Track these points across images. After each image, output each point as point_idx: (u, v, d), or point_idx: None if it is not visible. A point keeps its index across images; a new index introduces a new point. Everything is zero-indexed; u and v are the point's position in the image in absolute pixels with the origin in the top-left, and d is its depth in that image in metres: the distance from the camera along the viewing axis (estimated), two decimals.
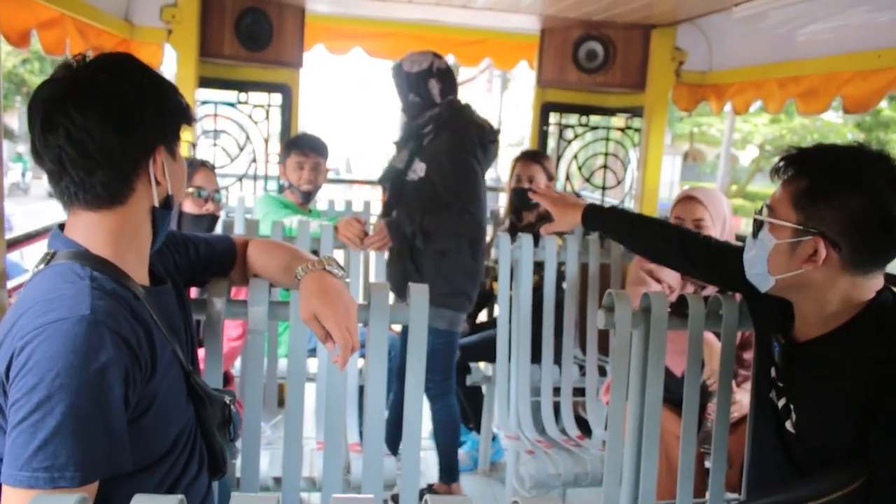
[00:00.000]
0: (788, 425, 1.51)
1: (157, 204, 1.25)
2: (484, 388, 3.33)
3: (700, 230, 2.38)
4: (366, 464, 1.73)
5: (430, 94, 2.78)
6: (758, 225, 1.49)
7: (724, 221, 2.44)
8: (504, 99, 23.55)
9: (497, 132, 2.84)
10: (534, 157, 3.35)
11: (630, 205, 4.02)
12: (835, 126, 17.49)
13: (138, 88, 1.18)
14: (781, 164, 1.45)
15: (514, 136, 27.16)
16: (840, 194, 1.35)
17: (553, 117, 4.14)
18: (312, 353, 2.74)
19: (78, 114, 1.12)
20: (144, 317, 1.19)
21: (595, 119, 4.16)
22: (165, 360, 1.21)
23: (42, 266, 1.20)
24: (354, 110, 29.62)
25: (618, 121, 4.16)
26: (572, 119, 4.17)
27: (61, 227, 1.25)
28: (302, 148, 3.22)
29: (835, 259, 1.37)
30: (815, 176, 1.39)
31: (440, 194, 2.70)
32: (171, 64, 3.38)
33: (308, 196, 3.26)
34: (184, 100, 1.28)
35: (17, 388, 1.05)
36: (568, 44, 3.76)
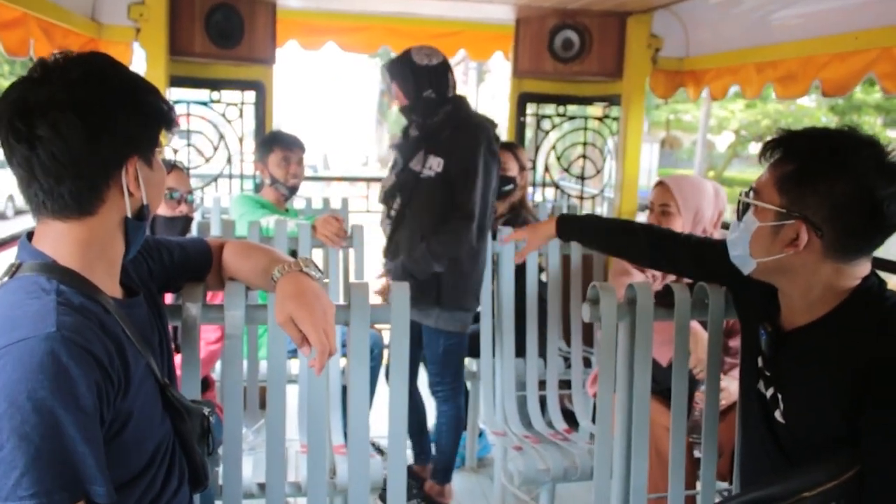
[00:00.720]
0: (777, 415, 1.49)
1: (129, 215, 1.19)
2: (469, 384, 3.30)
3: (666, 215, 2.39)
4: (351, 466, 1.69)
5: (449, 88, 2.67)
6: (743, 207, 1.48)
7: (697, 212, 2.42)
8: (480, 91, 23.53)
9: (496, 126, 2.79)
10: (506, 146, 3.30)
11: (610, 194, 4.00)
12: (808, 110, 17.63)
13: (112, 93, 1.12)
14: (769, 146, 1.43)
15: None
16: (825, 179, 1.33)
17: (530, 108, 4.10)
18: (293, 354, 2.70)
19: (46, 119, 1.07)
20: (115, 331, 1.14)
21: (572, 109, 4.13)
22: (139, 375, 1.17)
23: (6, 279, 1.15)
24: (329, 106, 29.42)
25: (595, 110, 4.13)
26: (549, 109, 4.13)
27: (29, 236, 1.20)
28: (287, 143, 3.18)
29: (817, 245, 1.36)
30: (801, 160, 1.37)
31: (453, 193, 2.63)
32: (140, 63, 3.30)
33: (294, 191, 3.24)
34: (165, 103, 1.22)
35: None
36: (543, 33, 3.71)
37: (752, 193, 1.46)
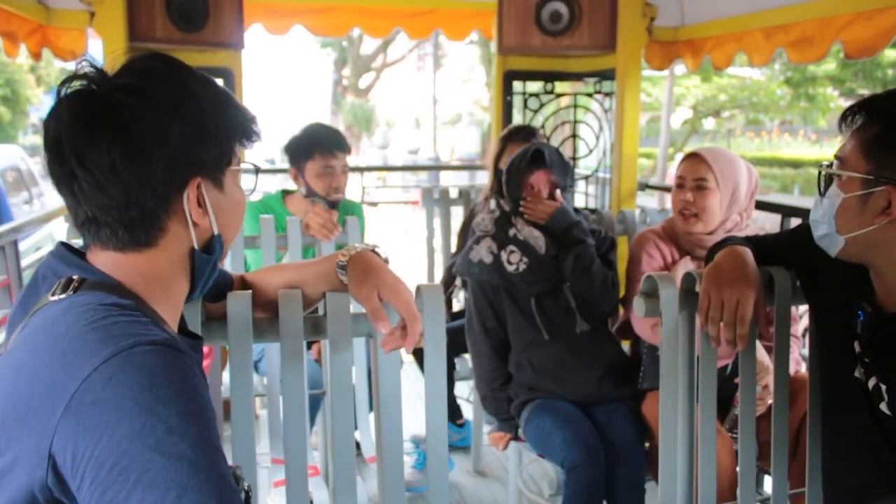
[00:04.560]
0: (883, 407, 1.32)
1: (196, 246, 1.00)
2: (473, 382, 3.08)
3: (703, 191, 2.18)
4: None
5: None
6: (826, 181, 1.33)
7: (736, 189, 2.21)
8: (437, 78, 23.32)
9: None
10: (533, 134, 3.01)
11: (605, 175, 3.80)
12: (762, 84, 17.75)
13: (161, 108, 0.93)
14: (849, 112, 1.29)
15: (449, 114, 27.02)
16: None
17: (516, 86, 3.88)
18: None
19: (87, 141, 0.91)
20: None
21: (562, 86, 3.93)
22: None
23: (62, 295, 0.91)
24: (282, 97, 28.84)
25: (584, 86, 3.93)
26: (535, 87, 3.92)
27: (74, 251, 0.99)
28: (328, 146, 2.68)
29: None
30: (886, 121, 1.24)
31: None
32: (96, 52, 3.00)
33: (335, 206, 2.71)
34: (242, 114, 1.03)
35: (113, 444, 0.75)
36: (529, 6, 3.49)
37: (835, 164, 1.31)
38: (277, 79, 28.88)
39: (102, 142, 0.90)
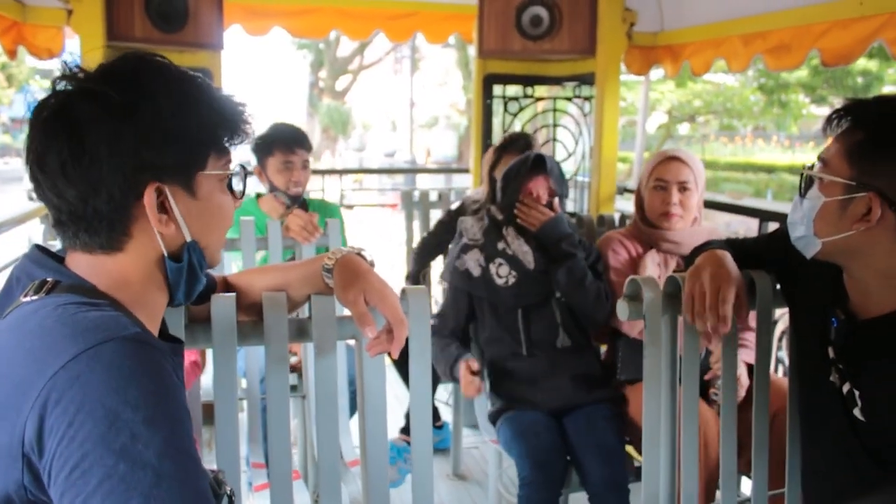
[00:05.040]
0: (857, 412, 1.33)
1: (165, 253, 0.98)
2: (452, 386, 3.09)
3: (687, 192, 2.25)
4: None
5: None
6: (807, 183, 1.33)
7: (703, 188, 2.33)
8: (414, 81, 23.29)
9: None
10: (529, 144, 2.90)
11: (584, 178, 3.83)
12: (736, 90, 17.97)
13: (115, 111, 0.90)
14: (835, 115, 1.29)
15: (425, 117, 27.01)
16: None
17: (496, 90, 3.89)
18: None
19: (43, 144, 0.91)
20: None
21: (541, 90, 3.94)
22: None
23: (35, 296, 0.90)
24: (259, 98, 28.66)
25: (563, 90, 3.95)
26: (514, 91, 3.93)
27: (50, 254, 0.98)
28: (288, 143, 2.74)
29: (892, 220, 1.22)
30: (872, 128, 1.24)
31: None
32: (74, 51, 2.96)
33: (296, 200, 2.79)
34: (219, 115, 1.00)
35: (75, 446, 0.75)
36: (510, 10, 3.51)
37: (818, 166, 1.31)
38: (253, 80, 28.75)
39: (55, 145, 0.90)
